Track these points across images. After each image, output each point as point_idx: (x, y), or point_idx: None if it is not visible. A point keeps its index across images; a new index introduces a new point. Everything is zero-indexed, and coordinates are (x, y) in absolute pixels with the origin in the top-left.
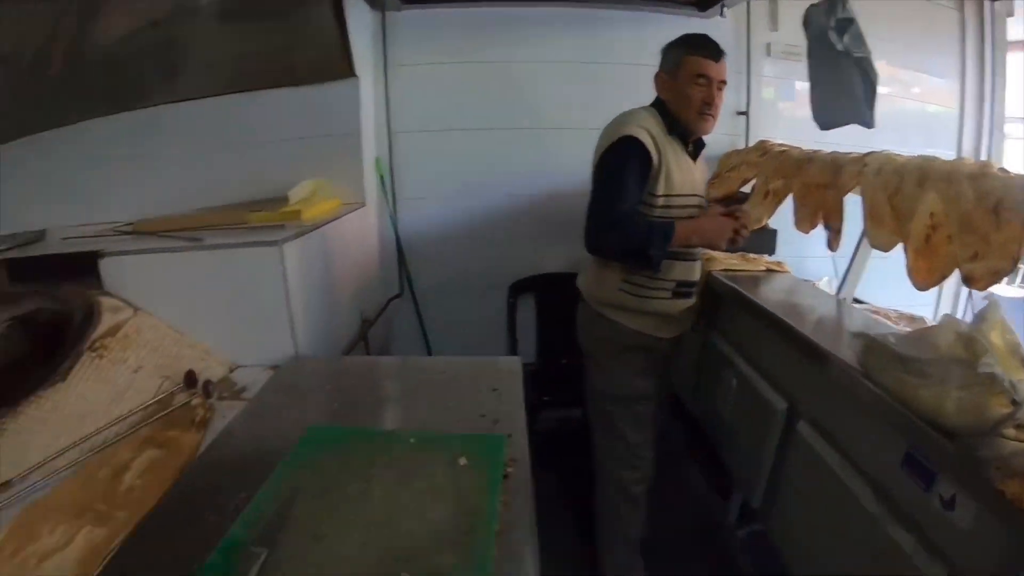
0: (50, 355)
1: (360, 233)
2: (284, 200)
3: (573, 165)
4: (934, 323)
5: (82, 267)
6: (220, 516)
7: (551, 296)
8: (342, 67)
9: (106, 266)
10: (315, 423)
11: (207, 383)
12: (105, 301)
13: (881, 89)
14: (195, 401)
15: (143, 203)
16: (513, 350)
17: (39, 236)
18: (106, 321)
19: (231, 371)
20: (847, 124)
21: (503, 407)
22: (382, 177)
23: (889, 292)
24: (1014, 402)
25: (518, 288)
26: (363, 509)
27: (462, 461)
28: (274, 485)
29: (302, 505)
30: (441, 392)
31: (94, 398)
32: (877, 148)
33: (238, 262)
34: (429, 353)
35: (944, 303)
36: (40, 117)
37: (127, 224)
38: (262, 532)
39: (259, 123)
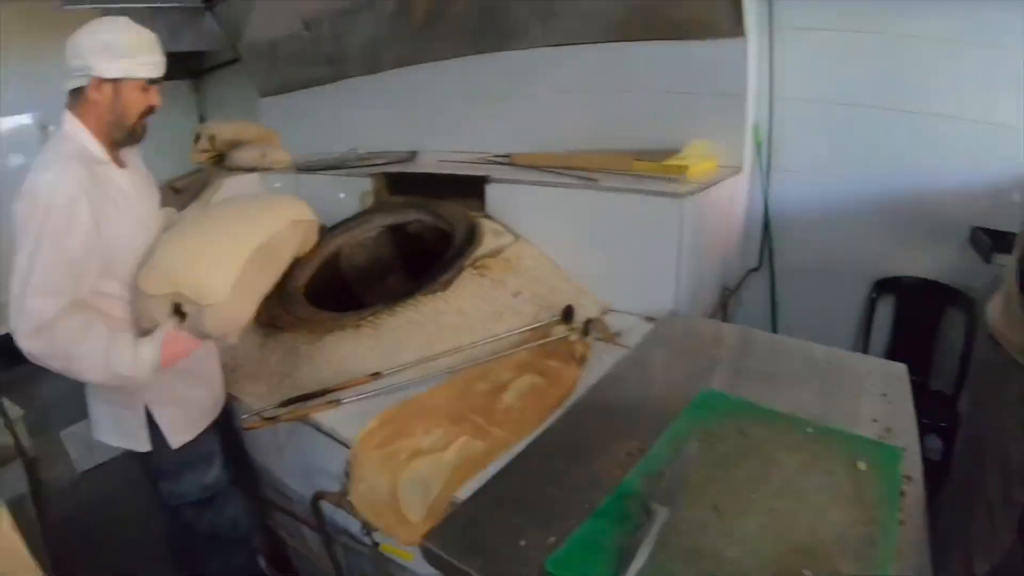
0: (412, 262)
1: (732, 199)
2: (661, 153)
3: (958, 162)
4: None
5: (464, 189)
6: (609, 460)
7: (914, 303)
8: (730, 24)
9: (492, 191)
10: (703, 386)
11: (588, 321)
12: (487, 224)
13: None
14: (573, 336)
15: (508, 139)
16: (863, 351)
17: (411, 156)
18: (488, 243)
19: (603, 313)
20: None
21: (895, 416)
22: (759, 144)
23: None
24: None
25: (881, 286)
26: (763, 491)
27: (861, 465)
28: (669, 442)
29: (700, 471)
30: (828, 383)
31: (473, 312)
32: None
33: (633, 209)
34: (774, 331)
35: None
36: (412, 52)
37: (502, 155)
38: (661, 489)
39: (638, 73)
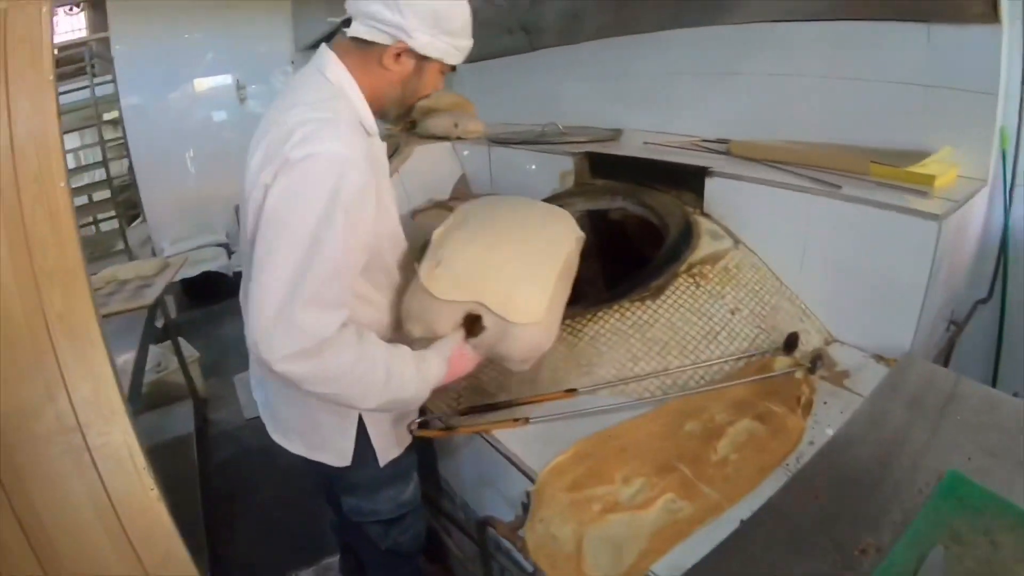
0: (610, 250)
1: (974, 217)
2: (897, 154)
3: None
4: None
5: (678, 179)
6: (840, 558)
7: None
8: (984, 8)
9: (713, 186)
10: (948, 465)
11: (817, 356)
12: (704, 223)
13: None
14: (799, 374)
15: (720, 123)
16: None
17: (615, 135)
18: (704, 246)
19: (827, 343)
20: None
21: None
22: (1004, 151)
23: None
24: None
25: None
26: None
27: None
28: (910, 545)
29: None
30: None
31: (684, 328)
32: None
33: (880, 226)
34: (994, 379)
35: None
36: (614, 22)
37: (716, 141)
38: None
39: (871, 59)
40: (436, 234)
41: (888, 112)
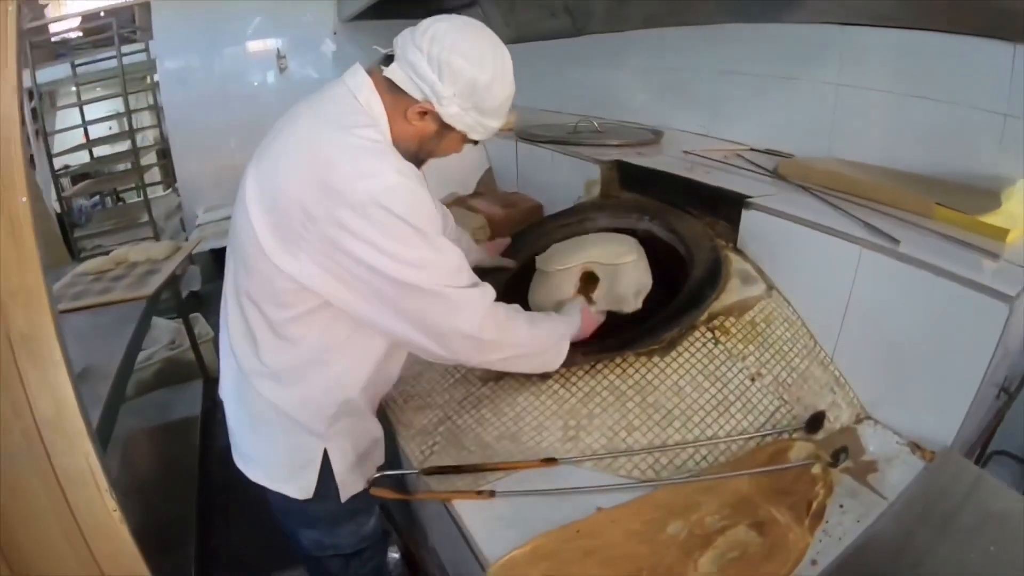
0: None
1: None
2: (965, 191)
3: None
4: None
5: (713, 204)
6: None
7: None
8: None
9: (751, 219)
10: None
11: (839, 450)
12: (735, 261)
13: None
14: (817, 469)
15: (772, 131)
16: None
17: (655, 137)
18: (733, 290)
19: (858, 421)
20: None
21: None
22: None
23: None
24: None
25: None
26: None
27: None
28: None
29: None
30: None
31: (692, 395)
32: None
33: (934, 292)
34: None
35: None
36: (665, 11)
37: (767, 152)
38: None
39: (948, 76)
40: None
41: (960, 139)
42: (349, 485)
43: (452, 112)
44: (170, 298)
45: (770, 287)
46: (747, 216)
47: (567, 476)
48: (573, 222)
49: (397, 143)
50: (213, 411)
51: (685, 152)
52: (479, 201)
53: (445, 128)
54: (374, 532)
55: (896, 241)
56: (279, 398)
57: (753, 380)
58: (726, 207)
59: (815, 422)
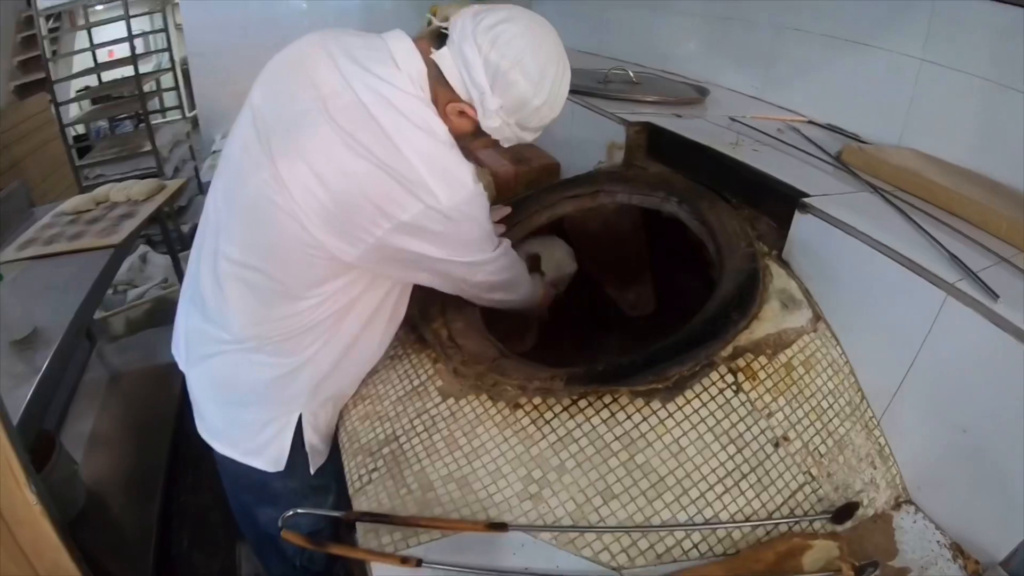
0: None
1: None
2: None
3: None
4: None
5: (759, 194)
6: None
7: None
8: None
9: (805, 225)
10: None
11: (868, 564)
12: (777, 276)
13: None
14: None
15: (837, 103)
16: None
17: (699, 96)
18: (769, 318)
19: (896, 505)
20: None
21: None
22: None
23: None
24: None
25: None
26: None
27: None
28: None
29: None
30: None
31: (695, 458)
32: None
33: (1002, 361)
34: None
35: None
36: None
37: (827, 127)
38: None
39: None
40: None
41: None
42: (319, 456)
43: (493, 124)
44: (168, 232)
45: (817, 317)
46: (801, 221)
47: (516, 548)
48: (585, 194)
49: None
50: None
51: (732, 119)
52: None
53: (479, 132)
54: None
55: (995, 296)
56: (273, 366)
57: (777, 446)
58: (774, 201)
59: (846, 513)
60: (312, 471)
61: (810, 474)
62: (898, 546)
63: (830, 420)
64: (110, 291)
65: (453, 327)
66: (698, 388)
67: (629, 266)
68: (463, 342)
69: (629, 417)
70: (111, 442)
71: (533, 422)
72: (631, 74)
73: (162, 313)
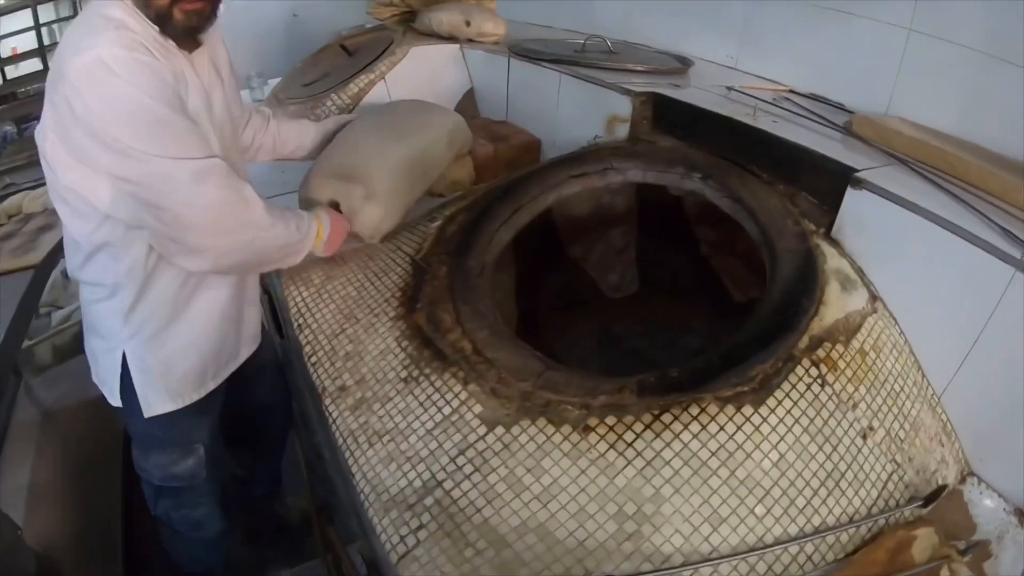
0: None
1: None
2: None
3: None
4: None
5: (791, 166)
6: None
7: None
8: None
9: (857, 203)
10: None
11: (970, 547)
12: (830, 255)
13: None
14: (956, 565)
15: (819, 72)
16: None
17: (682, 67)
18: (833, 302)
19: (962, 478)
20: None
21: None
22: None
23: None
24: None
25: None
26: None
27: None
28: None
29: None
30: None
31: (796, 464)
32: None
33: None
34: None
35: None
36: None
37: (810, 96)
38: None
39: None
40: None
41: None
42: (153, 403)
43: None
44: None
45: (874, 297)
46: (854, 198)
47: None
48: (592, 172)
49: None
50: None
51: (730, 89)
52: None
53: None
54: (191, 474)
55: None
56: (92, 290)
57: (865, 437)
58: (815, 177)
59: (933, 497)
60: (145, 416)
61: (895, 461)
62: (975, 520)
63: (904, 403)
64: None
65: (477, 337)
66: (786, 386)
67: (614, 246)
68: (494, 355)
69: (722, 428)
70: (55, 494)
71: (612, 446)
72: (609, 43)
73: None
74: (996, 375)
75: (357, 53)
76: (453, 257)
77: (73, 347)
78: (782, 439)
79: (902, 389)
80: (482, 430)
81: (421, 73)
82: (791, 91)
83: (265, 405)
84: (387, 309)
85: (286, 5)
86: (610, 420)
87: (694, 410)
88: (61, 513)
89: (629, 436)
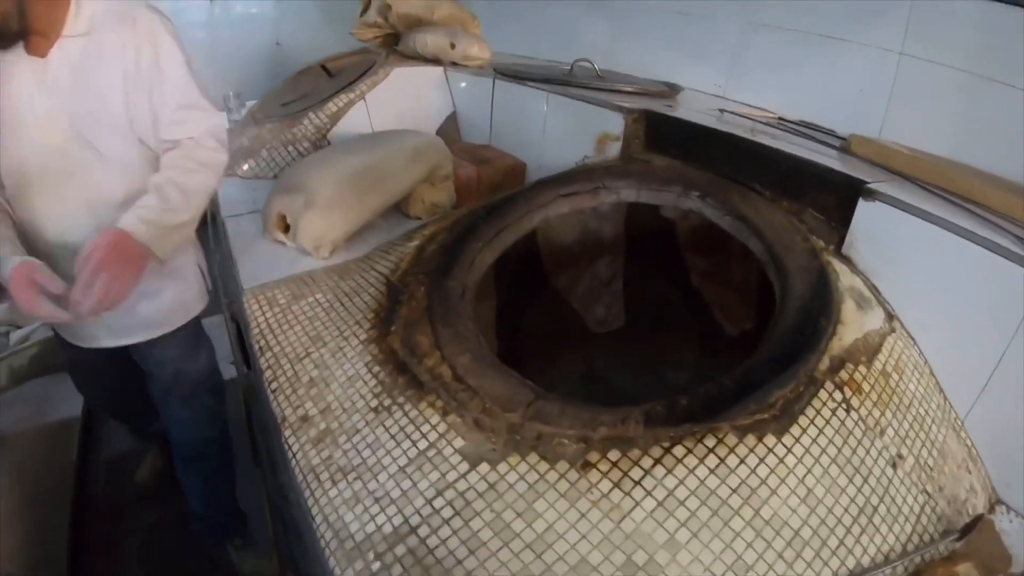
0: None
1: None
2: None
3: None
4: None
5: (797, 184)
6: None
7: None
8: None
9: (868, 215)
10: None
11: None
12: (842, 272)
13: None
14: None
15: (809, 100)
16: None
17: (671, 91)
18: (851, 321)
19: (991, 505)
20: None
21: None
22: None
23: None
24: None
25: None
26: None
27: None
28: None
29: None
30: None
31: (825, 500)
32: None
33: None
34: None
35: None
36: None
37: (800, 124)
38: None
39: None
40: None
41: None
42: None
43: None
44: None
45: (890, 315)
46: (867, 210)
47: None
48: (584, 192)
49: None
50: (89, 454)
51: (724, 112)
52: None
53: None
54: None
55: None
56: None
57: (895, 467)
58: (822, 192)
59: (970, 529)
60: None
61: (926, 492)
62: (1010, 550)
63: (930, 428)
64: None
65: (457, 362)
66: (810, 412)
67: (600, 278)
68: (477, 382)
69: (742, 461)
70: (6, 525)
71: (616, 485)
72: (596, 67)
73: (53, 356)
74: (1006, 389)
75: (339, 74)
76: (432, 277)
77: (31, 369)
78: (809, 471)
79: (927, 413)
80: (464, 468)
81: (403, 94)
82: (780, 119)
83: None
84: (358, 332)
85: (270, 33)
86: (613, 455)
87: (710, 441)
88: (10, 540)
89: (636, 473)
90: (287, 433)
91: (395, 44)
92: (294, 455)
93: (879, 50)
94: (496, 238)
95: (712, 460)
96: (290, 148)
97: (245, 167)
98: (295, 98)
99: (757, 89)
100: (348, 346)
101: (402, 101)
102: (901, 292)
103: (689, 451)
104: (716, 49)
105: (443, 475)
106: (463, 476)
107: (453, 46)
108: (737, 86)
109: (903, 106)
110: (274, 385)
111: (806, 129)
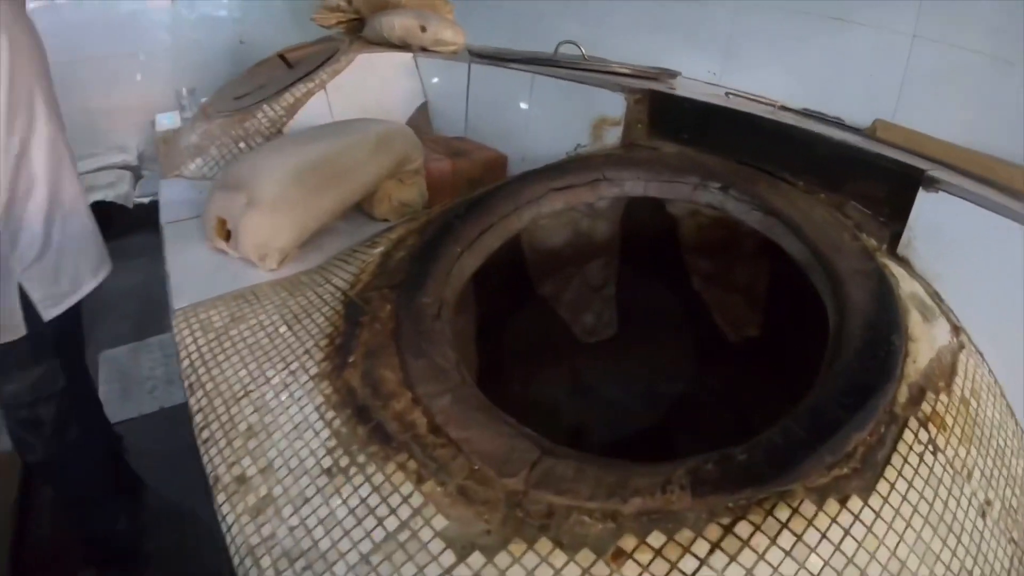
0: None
1: None
2: None
3: None
4: None
5: (835, 174)
6: None
7: None
8: None
9: (930, 208)
10: None
11: None
12: (900, 277)
13: None
14: None
15: (809, 85)
16: None
17: (668, 75)
18: (919, 336)
19: None
20: None
21: None
22: None
23: None
24: None
25: None
26: None
27: None
28: None
29: None
30: None
31: (920, 571)
32: None
33: None
34: None
35: None
36: None
37: (803, 113)
38: None
39: None
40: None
41: None
42: None
43: None
44: None
45: (956, 328)
46: (928, 203)
47: None
48: (580, 185)
49: None
50: (32, 492)
51: (729, 95)
52: None
53: None
54: None
55: None
56: None
57: (984, 515)
58: (868, 181)
59: None
60: None
61: (1013, 540)
62: None
63: (1009, 461)
64: None
65: (435, 406)
66: (896, 460)
67: (591, 283)
68: (462, 433)
69: (824, 535)
70: None
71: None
72: (582, 50)
73: None
74: None
75: (298, 64)
76: (400, 292)
77: None
78: (901, 539)
79: (1005, 444)
80: (448, 559)
81: (367, 83)
82: (782, 107)
83: None
84: (307, 364)
85: (233, 32)
86: (655, 540)
87: (782, 513)
88: None
89: (689, 564)
90: (220, 498)
91: (360, 31)
92: (229, 528)
93: (889, 31)
94: (478, 241)
95: (786, 539)
96: (241, 144)
97: (192, 166)
98: (249, 91)
99: (755, 75)
100: (295, 383)
101: (367, 90)
102: (967, 299)
103: (756, 528)
104: (709, 32)
105: (420, 569)
106: (447, 571)
107: (424, 29)
108: (733, 71)
109: (918, 90)
110: (205, 434)
111: (811, 117)
